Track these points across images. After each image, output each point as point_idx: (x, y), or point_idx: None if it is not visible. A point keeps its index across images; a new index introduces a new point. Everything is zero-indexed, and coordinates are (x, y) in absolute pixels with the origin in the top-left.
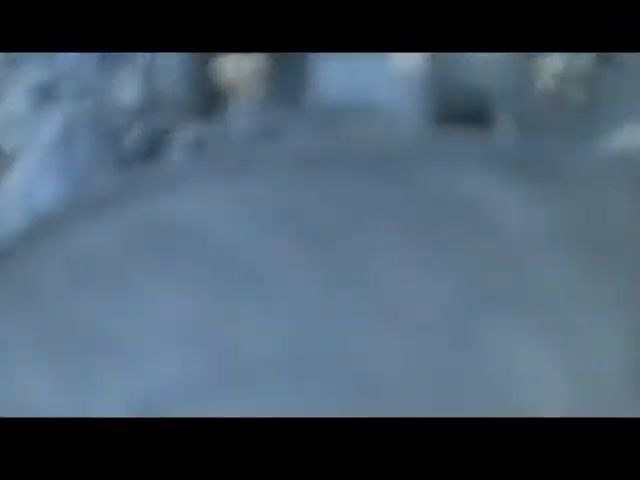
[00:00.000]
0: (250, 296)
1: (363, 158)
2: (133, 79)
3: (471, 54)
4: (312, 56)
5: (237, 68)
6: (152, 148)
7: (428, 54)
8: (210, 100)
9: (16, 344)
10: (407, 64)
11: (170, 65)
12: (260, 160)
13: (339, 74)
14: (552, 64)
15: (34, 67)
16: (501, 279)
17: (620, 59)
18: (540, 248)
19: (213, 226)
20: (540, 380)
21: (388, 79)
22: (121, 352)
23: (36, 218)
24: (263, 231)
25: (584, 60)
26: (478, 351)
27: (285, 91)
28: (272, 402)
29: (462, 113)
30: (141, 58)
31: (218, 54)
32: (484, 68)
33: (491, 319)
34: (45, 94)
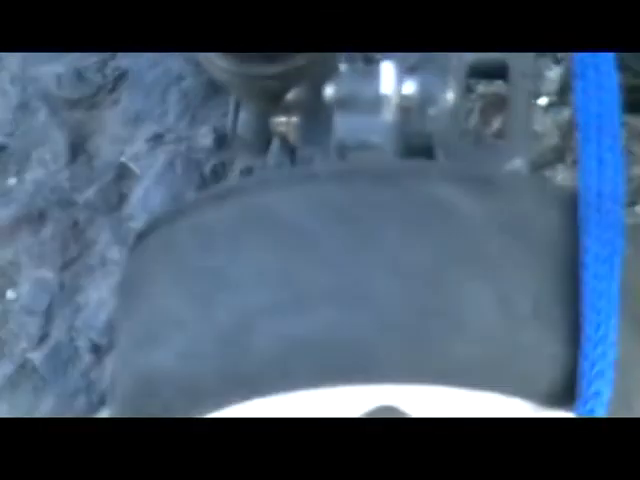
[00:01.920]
0: (308, 254)
1: (372, 175)
2: (211, 131)
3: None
4: (332, 115)
5: (286, 123)
6: (222, 173)
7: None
8: (267, 143)
9: (164, 283)
10: (385, 118)
11: (241, 120)
12: (309, 173)
13: (347, 128)
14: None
15: (149, 124)
16: (463, 244)
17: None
18: (485, 229)
19: (289, 211)
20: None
21: (376, 129)
22: (226, 283)
23: (174, 206)
24: (319, 214)
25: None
26: (448, 285)
27: (315, 138)
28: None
29: (418, 149)
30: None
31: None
32: (431, 119)
33: (455, 267)
34: (156, 140)
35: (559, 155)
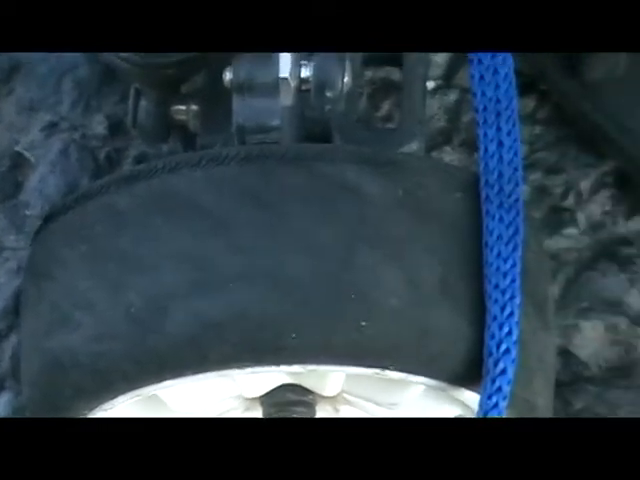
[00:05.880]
0: (219, 235)
1: (280, 157)
2: (105, 119)
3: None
4: (231, 101)
5: (185, 111)
6: (116, 160)
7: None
8: (166, 132)
9: (75, 265)
10: (284, 102)
11: (140, 109)
12: (218, 156)
13: (246, 112)
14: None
15: (44, 113)
16: (370, 225)
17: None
18: (392, 211)
19: (198, 193)
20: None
21: (275, 112)
22: (138, 265)
23: (81, 190)
24: (229, 196)
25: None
26: (357, 266)
27: (215, 125)
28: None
29: (315, 133)
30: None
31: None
32: (328, 103)
33: (364, 248)
34: (51, 128)
35: (446, 137)
